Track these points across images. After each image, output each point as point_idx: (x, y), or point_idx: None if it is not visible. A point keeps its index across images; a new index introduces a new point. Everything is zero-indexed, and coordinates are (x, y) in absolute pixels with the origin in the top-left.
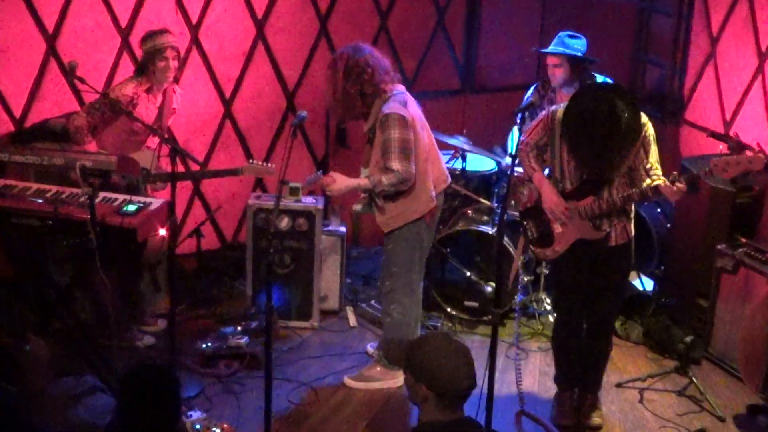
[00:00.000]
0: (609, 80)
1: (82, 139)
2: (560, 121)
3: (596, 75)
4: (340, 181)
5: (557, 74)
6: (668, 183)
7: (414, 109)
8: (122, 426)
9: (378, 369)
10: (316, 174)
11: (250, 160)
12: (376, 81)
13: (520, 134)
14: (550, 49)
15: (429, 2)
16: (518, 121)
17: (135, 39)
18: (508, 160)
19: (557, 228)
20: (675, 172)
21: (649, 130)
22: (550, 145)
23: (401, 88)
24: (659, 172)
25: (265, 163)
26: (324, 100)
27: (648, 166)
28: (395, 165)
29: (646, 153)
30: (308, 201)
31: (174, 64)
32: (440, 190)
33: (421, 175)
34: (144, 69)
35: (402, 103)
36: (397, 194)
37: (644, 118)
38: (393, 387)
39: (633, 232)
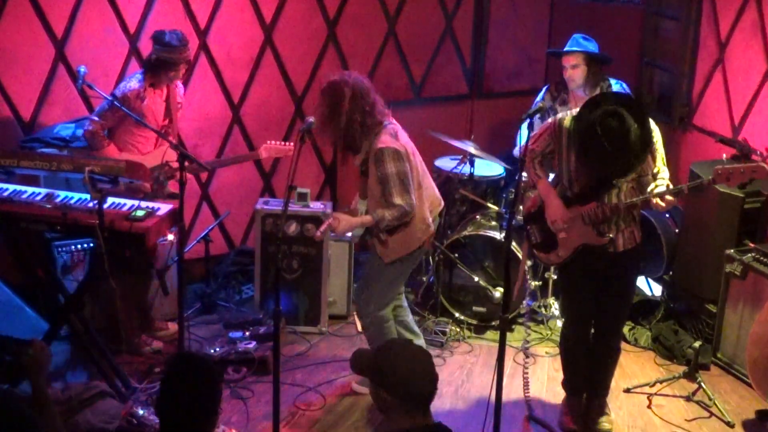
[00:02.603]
0: (622, 84)
1: (99, 143)
2: (568, 129)
3: (609, 78)
4: (345, 222)
5: (576, 75)
6: (663, 197)
7: (404, 138)
8: (163, 414)
9: None
10: (325, 221)
11: (268, 141)
12: (377, 112)
13: (527, 140)
14: (569, 48)
15: (437, 7)
16: (526, 126)
17: (143, 44)
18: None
19: (561, 233)
20: (664, 187)
21: (656, 135)
22: (557, 153)
23: (390, 118)
24: (666, 174)
25: (283, 143)
26: (317, 123)
27: (655, 170)
28: (398, 200)
29: (654, 158)
30: (316, 206)
31: (182, 73)
32: (435, 214)
33: (418, 205)
34: (152, 69)
35: (393, 135)
36: (395, 227)
37: (651, 123)
38: None
39: (640, 238)
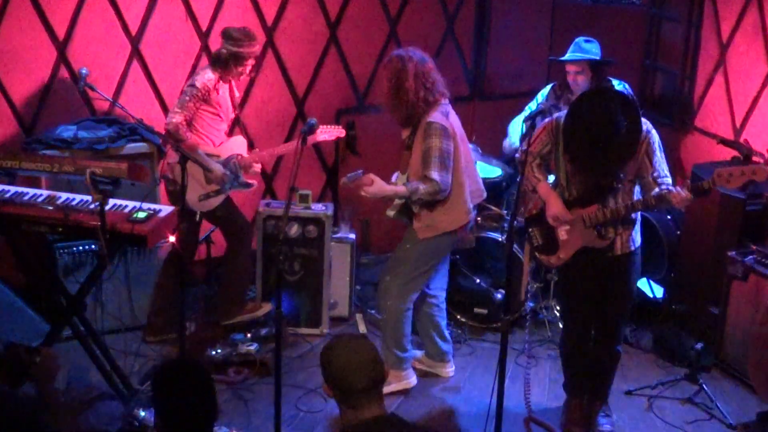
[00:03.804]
0: (624, 84)
1: (183, 135)
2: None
3: (612, 79)
4: (378, 185)
5: (580, 81)
6: (674, 191)
7: (455, 120)
8: (162, 425)
9: (388, 373)
10: (358, 172)
11: (320, 126)
12: (438, 91)
13: (528, 141)
14: (571, 56)
15: (438, 9)
16: (528, 127)
17: (145, 46)
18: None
19: (562, 235)
20: (688, 181)
21: (654, 137)
22: (555, 153)
23: (446, 99)
24: (669, 180)
25: (334, 126)
26: (380, 98)
27: (655, 174)
28: (435, 175)
29: (651, 161)
30: (318, 208)
31: (249, 70)
32: (475, 203)
33: (459, 186)
34: (221, 64)
35: (445, 114)
36: (434, 202)
37: (648, 125)
38: (403, 391)
39: (640, 240)
